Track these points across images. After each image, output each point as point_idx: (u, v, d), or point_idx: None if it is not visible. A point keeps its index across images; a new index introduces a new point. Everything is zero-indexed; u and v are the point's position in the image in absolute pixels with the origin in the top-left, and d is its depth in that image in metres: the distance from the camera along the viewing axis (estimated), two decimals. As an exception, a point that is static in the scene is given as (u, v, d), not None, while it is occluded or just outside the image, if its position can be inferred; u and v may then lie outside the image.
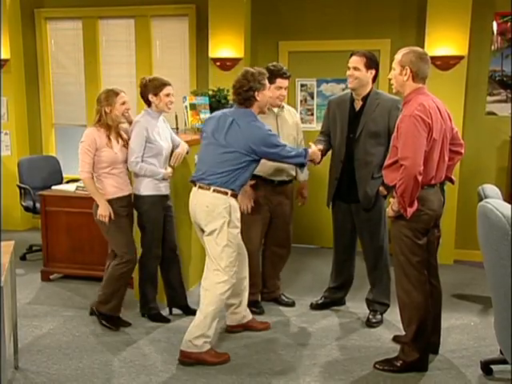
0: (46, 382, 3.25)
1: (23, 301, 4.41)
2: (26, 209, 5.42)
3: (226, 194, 3.44)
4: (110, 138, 3.81)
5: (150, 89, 3.86)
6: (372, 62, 3.80)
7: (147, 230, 3.97)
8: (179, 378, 3.30)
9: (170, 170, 3.97)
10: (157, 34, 6.33)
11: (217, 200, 3.44)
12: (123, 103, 3.82)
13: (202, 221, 3.49)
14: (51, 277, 4.94)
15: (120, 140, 3.88)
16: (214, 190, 3.44)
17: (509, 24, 5.29)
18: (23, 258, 5.50)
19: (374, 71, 3.81)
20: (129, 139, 3.88)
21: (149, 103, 3.91)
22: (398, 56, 3.23)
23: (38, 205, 5.11)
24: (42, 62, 6.67)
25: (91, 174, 3.79)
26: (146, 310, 4.12)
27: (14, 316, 3.35)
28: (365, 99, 3.86)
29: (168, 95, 3.87)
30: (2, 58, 6.31)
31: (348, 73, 3.82)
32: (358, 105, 3.89)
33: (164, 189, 3.97)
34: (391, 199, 3.29)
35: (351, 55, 3.84)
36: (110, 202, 3.80)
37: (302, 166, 3.67)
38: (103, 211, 3.76)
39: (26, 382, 3.26)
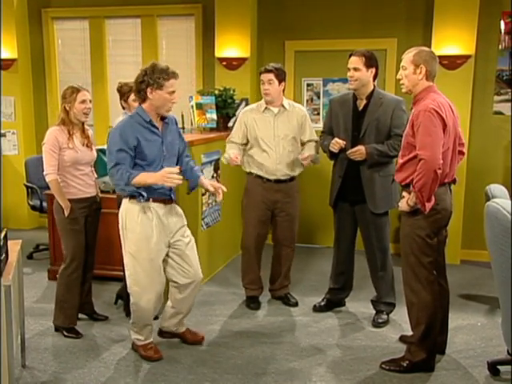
0: (53, 381, 3.26)
1: (30, 300, 4.42)
2: (33, 208, 5.44)
3: (126, 197, 3.33)
4: (72, 137, 3.65)
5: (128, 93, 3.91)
6: (371, 61, 3.78)
7: None
8: (185, 378, 3.31)
9: None
10: (163, 33, 6.33)
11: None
12: (83, 101, 3.64)
13: None
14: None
15: (86, 141, 3.74)
16: None
17: (516, 23, 5.27)
18: (30, 256, 5.52)
19: (374, 69, 3.80)
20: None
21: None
22: (409, 55, 3.20)
23: (44, 204, 5.12)
24: (48, 61, 6.69)
25: (57, 175, 3.64)
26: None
27: (21, 315, 3.37)
28: (368, 98, 3.84)
29: None
30: (10, 57, 6.35)
31: (349, 74, 3.80)
32: (361, 104, 3.88)
33: None
34: (404, 193, 3.23)
35: (350, 55, 3.83)
36: (69, 201, 3.67)
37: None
38: (66, 212, 3.65)
39: (32, 380, 3.27)
